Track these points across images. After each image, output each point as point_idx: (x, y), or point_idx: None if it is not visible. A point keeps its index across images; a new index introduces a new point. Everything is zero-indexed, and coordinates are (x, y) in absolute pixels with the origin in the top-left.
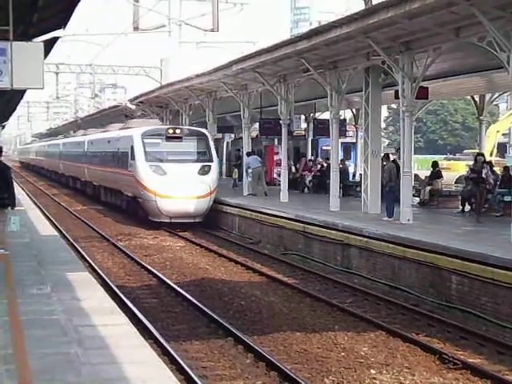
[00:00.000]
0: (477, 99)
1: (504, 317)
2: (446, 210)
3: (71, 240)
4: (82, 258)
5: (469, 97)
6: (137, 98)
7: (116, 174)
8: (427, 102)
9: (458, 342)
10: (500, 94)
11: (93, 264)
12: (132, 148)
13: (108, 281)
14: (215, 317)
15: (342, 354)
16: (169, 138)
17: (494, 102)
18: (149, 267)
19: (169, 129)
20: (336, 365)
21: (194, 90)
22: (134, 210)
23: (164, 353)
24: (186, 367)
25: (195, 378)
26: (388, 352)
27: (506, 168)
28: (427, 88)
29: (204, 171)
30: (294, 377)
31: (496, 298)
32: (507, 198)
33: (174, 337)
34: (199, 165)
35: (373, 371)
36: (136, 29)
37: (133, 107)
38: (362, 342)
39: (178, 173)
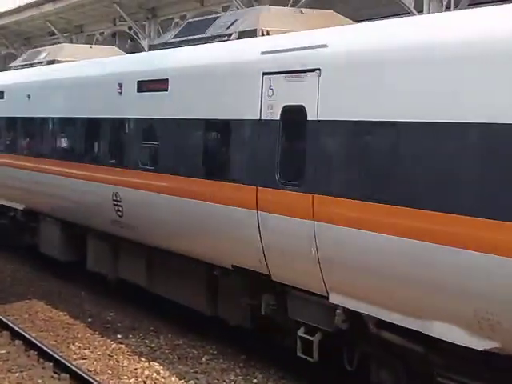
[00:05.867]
0: None
1: None
2: None
3: None
4: None
5: None
6: None
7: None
8: None
9: None
10: None
11: None
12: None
13: None
14: None
15: (89, 320)
16: None
17: None
18: None
19: None
20: (82, 331)
21: None
22: None
23: None
24: None
25: None
26: (133, 317)
27: None
28: None
29: None
30: (39, 345)
31: None
32: None
33: None
34: None
35: (119, 335)
36: None
37: None
38: (109, 308)
39: None
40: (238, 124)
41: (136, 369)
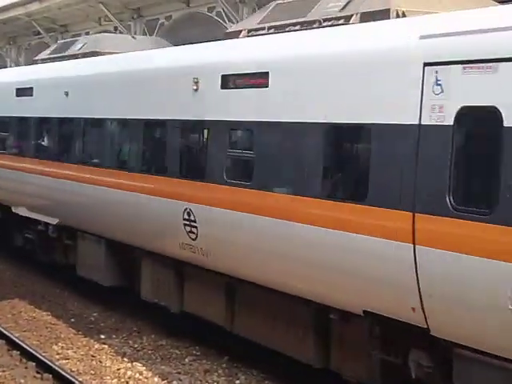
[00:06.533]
0: None
1: None
2: None
3: None
4: None
5: None
6: None
7: None
8: None
9: None
10: None
11: None
12: None
13: None
14: None
15: (72, 320)
16: None
17: None
18: None
19: None
20: (66, 331)
21: None
22: None
23: None
24: None
25: None
26: (116, 317)
27: None
28: None
29: None
30: (22, 344)
31: None
32: None
33: None
34: None
35: (102, 336)
36: None
37: None
38: (92, 308)
39: None
40: (383, 129)
41: (119, 369)
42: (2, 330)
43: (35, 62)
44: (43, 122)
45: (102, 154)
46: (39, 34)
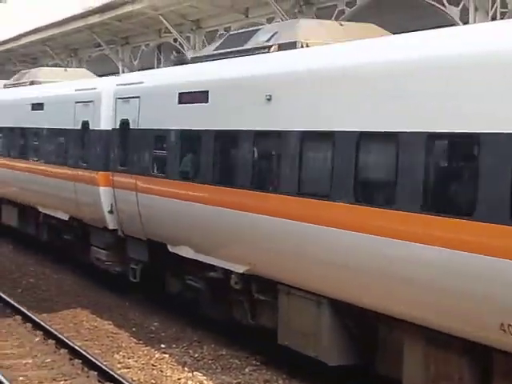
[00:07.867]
0: None
1: None
2: None
3: None
4: None
5: None
6: None
7: None
8: None
9: None
10: None
11: None
12: None
13: None
14: (1, 295)
15: (133, 329)
16: None
17: None
18: None
19: None
20: (127, 340)
21: None
22: None
23: None
24: None
25: None
26: (177, 327)
27: None
28: None
29: None
30: (84, 353)
31: None
32: None
33: None
34: None
35: (163, 345)
36: None
37: None
38: (153, 318)
39: None
40: None
41: (179, 379)
42: (65, 339)
43: (197, 61)
44: (227, 136)
45: (339, 182)
46: (100, 46)
